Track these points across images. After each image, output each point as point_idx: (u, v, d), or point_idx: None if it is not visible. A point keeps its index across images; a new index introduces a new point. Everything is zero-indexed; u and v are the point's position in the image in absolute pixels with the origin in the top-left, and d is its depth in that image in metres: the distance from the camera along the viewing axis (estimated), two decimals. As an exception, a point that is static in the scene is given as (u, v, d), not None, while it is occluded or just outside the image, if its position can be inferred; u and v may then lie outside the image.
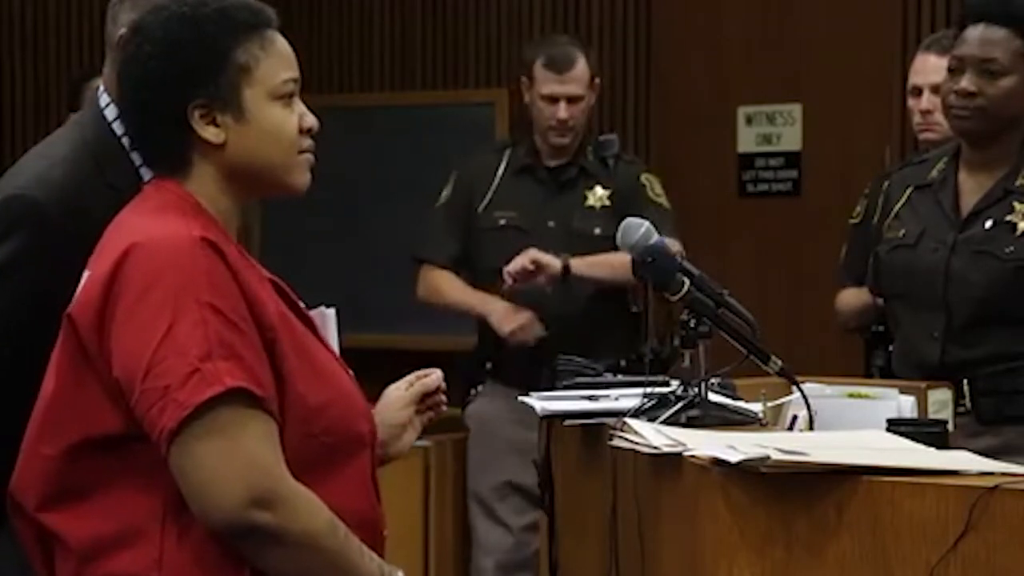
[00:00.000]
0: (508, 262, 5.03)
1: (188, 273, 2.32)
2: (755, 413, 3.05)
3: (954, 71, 3.77)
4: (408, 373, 2.88)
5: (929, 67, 4.68)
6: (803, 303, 6.26)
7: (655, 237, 3.06)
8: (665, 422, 2.87)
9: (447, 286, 5.30)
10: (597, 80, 5.33)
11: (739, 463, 2.40)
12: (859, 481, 2.40)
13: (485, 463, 5.35)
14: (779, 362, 3.02)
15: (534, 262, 4.99)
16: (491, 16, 6.97)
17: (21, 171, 2.82)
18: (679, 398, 2.97)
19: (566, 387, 3.36)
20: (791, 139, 6.48)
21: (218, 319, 2.30)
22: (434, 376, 2.84)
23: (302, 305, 2.56)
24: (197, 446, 2.28)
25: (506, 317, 5.09)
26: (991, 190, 3.78)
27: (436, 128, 6.88)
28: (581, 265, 5.07)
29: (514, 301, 5.11)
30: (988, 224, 3.75)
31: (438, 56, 7.09)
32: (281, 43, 2.51)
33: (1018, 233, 3.71)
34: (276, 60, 2.49)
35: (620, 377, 3.46)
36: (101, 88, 2.88)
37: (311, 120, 2.54)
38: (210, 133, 2.46)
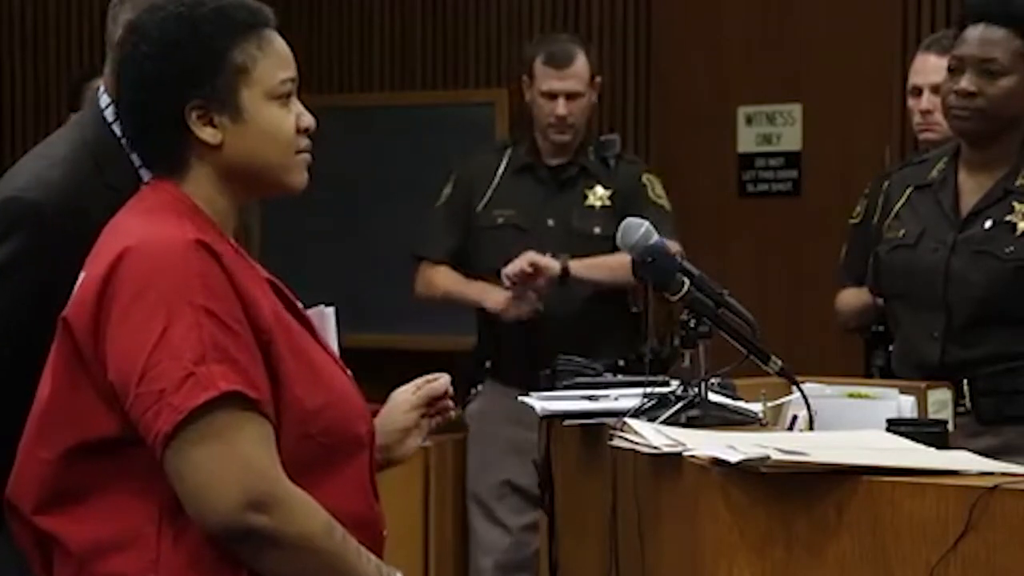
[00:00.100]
0: (507, 261, 5.04)
1: (182, 276, 2.32)
2: (755, 413, 3.05)
3: (954, 71, 3.77)
4: (408, 373, 2.88)
5: (929, 67, 4.68)
6: (803, 303, 6.26)
7: (655, 237, 3.06)
8: (665, 422, 2.87)
9: (443, 279, 5.31)
10: (598, 79, 5.32)
11: (739, 463, 2.40)
12: (859, 481, 2.40)
13: (484, 463, 5.35)
14: (779, 362, 3.02)
15: (532, 265, 4.99)
16: (491, 16, 6.97)
17: (20, 172, 2.82)
18: (679, 398, 2.97)
19: (566, 387, 3.36)
20: (791, 139, 6.48)
21: (212, 322, 2.30)
22: (441, 381, 2.82)
23: (300, 305, 2.56)
24: (192, 450, 2.27)
25: (501, 299, 5.08)
26: (991, 190, 3.78)
27: (436, 128, 6.88)
28: (580, 267, 5.07)
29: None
30: (988, 224, 3.75)
31: (438, 56, 7.09)
32: (279, 43, 2.50)
33: (1018, 233, 3.71)
34: (273, 60, 2.48)
35: (620, 377, 3.46)
36: (101, 88, 2.88)
37: (309, 120, 2.53)
38: (207, 134, 2.45)
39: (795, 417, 3.16)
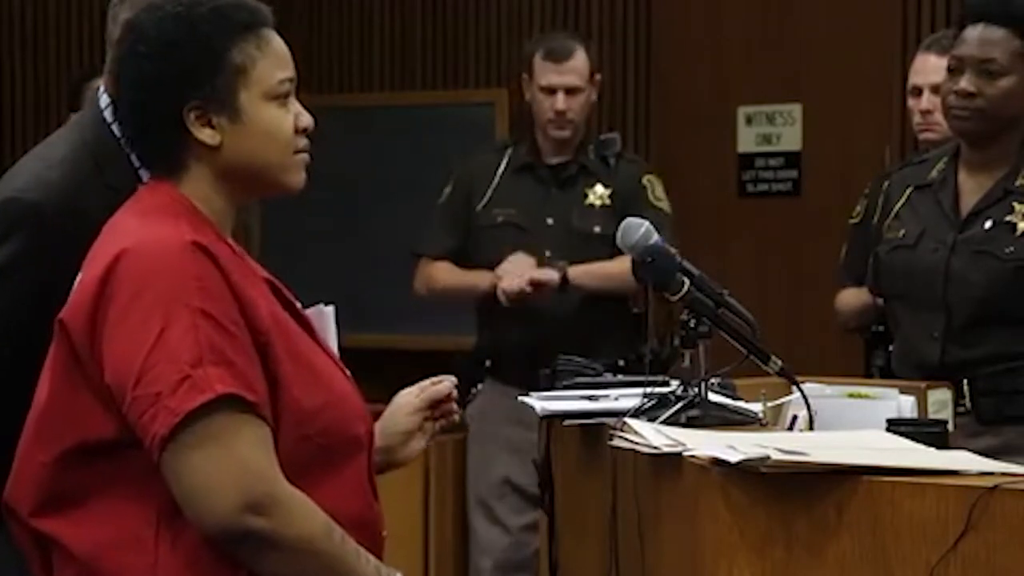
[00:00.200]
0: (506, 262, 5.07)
1: (179, 278, 2.31)
2: (755, 413, 3.05)
3: (953, 71, 3.77)
4: (408, 373, 2.88)
5: (929, 67, 4.68)
6: (803, 303, 6.26)
7: (655, 237, 3.06)
8: (665, 422, 2.87)
9: (443, 273, 5.32)
10: (598, 76, 5.32)
11: (739, 463, 2.40)
12: (859, 481, 2.40)
13: (484, 462, 5.35)
14: (779, 362, 3.02)
15: (533, 284, 5.01)
16: (491, 16, 6.97)
17: (20, 172, 2.82)
18: (679, 398, 2.97)
19: (566, 387, 3.36)
20: (791, 139, 6.48)
21: (209, 324, 2.29)
22: (445, 384, 2.81)
23: (299, 305, 2.56)
24: (189, 453, 2.27)
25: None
26: (991, 190, 3.78)
27: (436, 128, 6.88)
28: (579, 275, 5.07)
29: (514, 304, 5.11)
30: (988, 224, 3.75)
31: (438, 56, 7.09)
32: (277, 42, 2.50)
33: (1018, 233, 3.71)
34: (272, 60, 2.47)
35: (620, 377, 3.46)
36: (101, 88, 2.88)
37: (307, 120, 2.52)
38: (205, 135, 2.44)
39: (795, 417, 3.16)
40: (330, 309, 2.85)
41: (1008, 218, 3.73)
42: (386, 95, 7.16)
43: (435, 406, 2.81)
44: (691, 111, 6.61)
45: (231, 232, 2.51)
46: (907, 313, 3.86)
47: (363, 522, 2.46)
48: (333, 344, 2.74)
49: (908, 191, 3.92)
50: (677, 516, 2.64)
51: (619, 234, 3.08)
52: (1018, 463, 2.54)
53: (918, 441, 2.71)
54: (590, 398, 3.20)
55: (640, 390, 3.06)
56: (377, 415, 2.71)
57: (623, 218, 3.14)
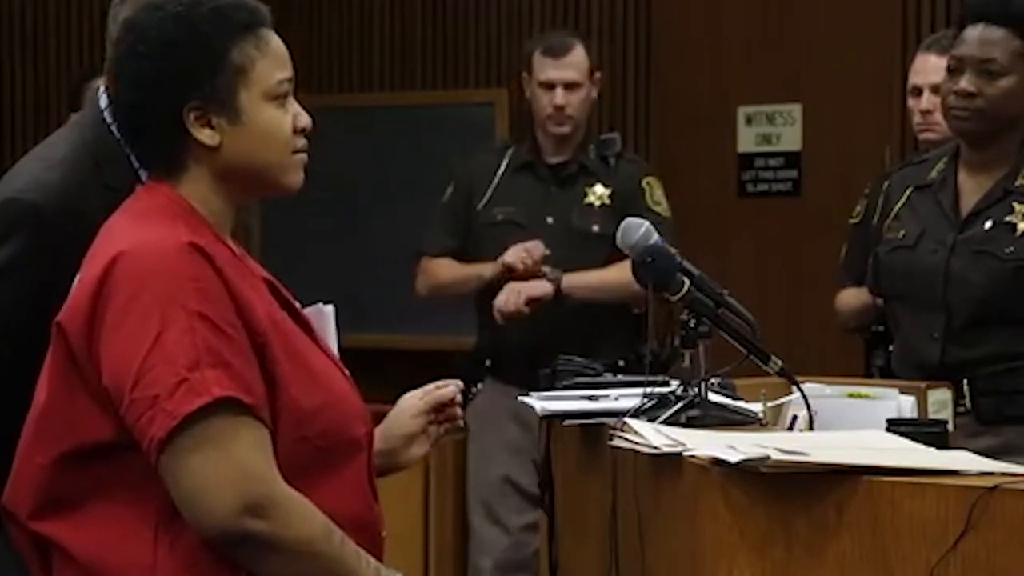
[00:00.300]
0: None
1: (175, 280, 2.30)
2: (755, 413, 3.05)
3: (953, 71, 3.77)
4: (408, 373, 2.88)
5: (929, 67, 4.68)
6: (803, 303, 6.26)
7: (655, 237, 3.06)
8: (665, 422, 2.87)
9: (444, 269, 5.33)
10: (598, 74, 5.33)
11: (739, 463, 2.40)
12: (859, 481, 2.39)
13: (484, 461, 5.35)
14: (779, 362, 3.02)
15: (528, 302, 5.02)
16: (491, 16, 6.98)
17: (20, 173, 2.82)
18: (679, 398, 2.97)
19: (566, 387, 3.36)
20: (791, 139, 6.48)
21: (206, 326, 2.29)
22: (450, 389, 2.80)
23: (297, 305, 2.55)
24: (187, 456, 2.27)
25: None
26: (991, 190, 3.78)
27: (436, 128, 6.88)
28: (574, 286, 5.08)
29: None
30: (988, 225, 3.74)
31: (438, 56, 7.09)
32: (276, 43, 2.49)
33: (1018, 234, 3.70)
34: (271, 61, 2.46)
35: (620, 377, 3.46)
36: (101, 88, 2.87)
37: (305, 120, 2.51)
38: (205, 136, 2.43)
39: (795, 417, 3.16)
40: (329, 308, 2.84)
41: (1008, 218, 3.73)
42: (386, 95, 7.16)
43: (440, 410, 2.80)
44: (691, 111, 6.61)
45: (231, 232, 2.51)
46: (907, 313, 3.86)
47: (363, 523, 2.46)
48: (332, 344, 2.73)
49: (908, 191, 3.92)
50: (677, 516, 2.64)
51: (619, 234, 3.09)
52: (1018, 463, 2.54)
53: (918, 441, 2.71)
54: (590, 398, 3.20)
55: (640, 390, 3.06)
56: (377, 415, 2.70)
57: (622, 218, 3.14)
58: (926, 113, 4.71)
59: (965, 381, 3.69)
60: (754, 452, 2.42)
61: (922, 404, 3.35)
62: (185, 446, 2.26)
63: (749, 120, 6.54)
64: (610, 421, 2.96)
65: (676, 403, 2.95)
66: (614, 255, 4.79)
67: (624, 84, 6.69)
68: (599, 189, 5.24)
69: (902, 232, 3.86)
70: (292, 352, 2.41)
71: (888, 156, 6.05)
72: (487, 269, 5.16)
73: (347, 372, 2.56)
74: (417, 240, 5.47)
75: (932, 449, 2.64)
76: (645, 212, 4.97)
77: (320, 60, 7.21)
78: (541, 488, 3.45)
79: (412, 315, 6.37)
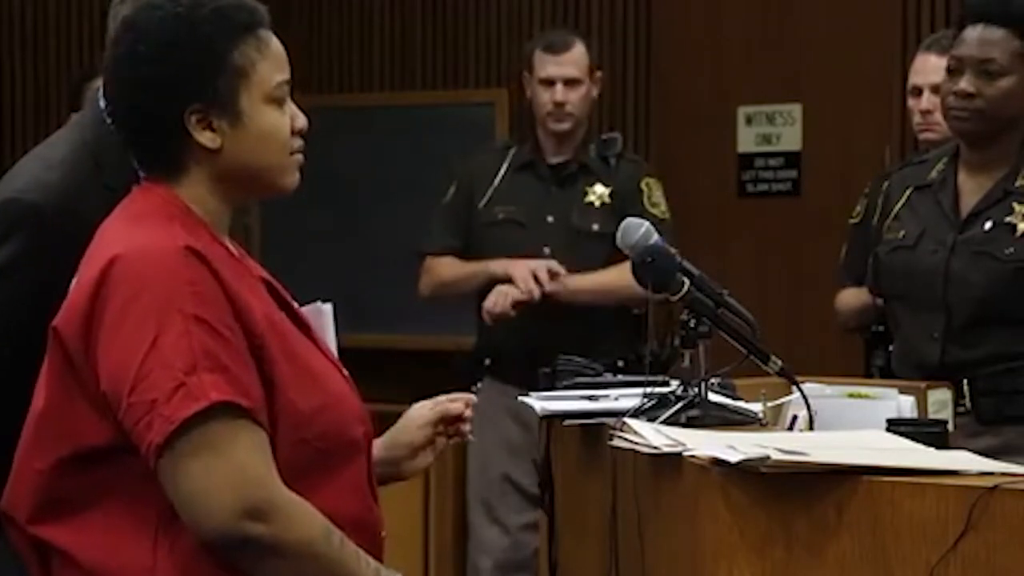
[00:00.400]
0: (506, 258, 5.06)
1: (172, 284, 2.30)
2: (755, 413, 3.05)
3: (953, 72, 3.77)
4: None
5: (929, 67, 4.68)
6: (803, 303, 6.26)
7: (655, 237, 3.06)
8: (665, 422, 2.87)
9: (447, 268, 5.33)
10: (598, 73, 5.33)
11: (739, 463, 2.40)
12: (859, 481, 2.39)
13: (484, 460, 5.35)
14: (779, 362, 3.02)
15: (515, 306, 5.03)
16: (491, 16, 6.98)
17: (20, 173, 2.82)
18: (679, 398, 2.97)
19: (566, 387, 3.36)
20: (791, 139, 6.48)
21: (203, 330, 2.28)
22: (460, 403, 2.80)
23: (296, 305, 2.55)
24: (186, 461, 2.26)
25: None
26: (991, 191, 3.77)
27: (436, 128, 6.88)
28: (575, 288, 5.09)
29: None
30: (988, 225, 3.74)
31: (438, 56, 7.09)
32: (275, 44, 2.47)
33: (1018, 234, 3.70)
34: (272, 63, 2.45)
35: (620, 377, 3.46)
36: (101, 88, 2.87)
37: (302, 121, 2.50)
38: (206, 139, 2.41)
39: (795, 417, 3.16)
40: (328, 307, 2.84)
41: (1008, 219, 3.73)
42: (386, 95, 7.16)
43: (449, 422, 2.80)
44: (691, 111, 6.61)
45: (228, 232, 2.50)
46: (907, 313, 3.86)
47: (362, 524, 2.45)
48: (331, 342, 2.73)
49: (908, 191, 3.92)
50: (677, 516, 2.64)
51: (619, 234, 3.09)
52: (1018, 463, 2.54)
53: (918, 441, 2.71)
54: (590, 398, 3.20)
55: (640, 390, 3.06)
56: (377, 415, 2.70)
57: (622, 218, 3.14)
58: (926, 113, 4.71)
59: (965, 381, 3.69)
60: (754, 452, 2.42)
61: (922, 404, 3.35)
62: (183, 451, 2.26)
63: (749, 120, 6.54)
64: (610, 421, 2.96)
65: (676, 403, 2.95)
66: (614, 254, 4.79)
67: (624, 84, 6.69)
68: (599, 188, 5.24)
69: (902, 232, 3.86)
70: (290, 353, 2.40)
71: (888, 156, 6.05)
72: (496, 267, 5.15)
73: (346, 372, 2.55)
74: (417, 240, 5.47)
75: (932, 449, 2.64)
76: (643, 213, 4.98)
77: (320, 60, 7.21)
78: (541, 488, 3.45)
79: (412, 315, 6.37)
